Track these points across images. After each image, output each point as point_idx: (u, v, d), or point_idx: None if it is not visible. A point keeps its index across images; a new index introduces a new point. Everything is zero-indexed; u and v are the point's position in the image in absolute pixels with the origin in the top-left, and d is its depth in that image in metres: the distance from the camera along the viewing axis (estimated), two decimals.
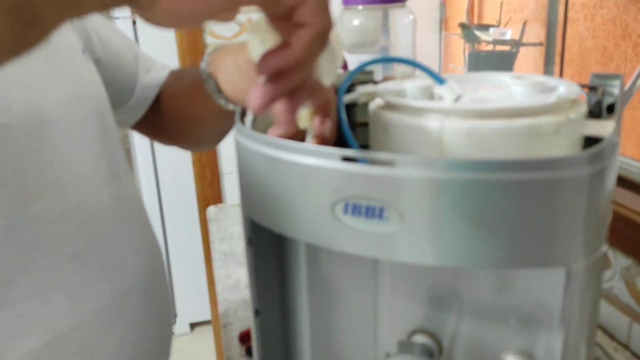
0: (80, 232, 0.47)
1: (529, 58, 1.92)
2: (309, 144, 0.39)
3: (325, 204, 0.32)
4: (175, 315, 2.19)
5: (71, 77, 0.50)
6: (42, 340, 0.44)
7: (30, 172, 0.43)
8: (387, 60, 0.44)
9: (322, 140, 0.39)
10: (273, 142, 0.34)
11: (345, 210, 0.31)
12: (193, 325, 2.24)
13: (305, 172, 0.32)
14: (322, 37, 0.31)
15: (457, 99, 0.36)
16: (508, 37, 1.89)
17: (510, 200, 0.28)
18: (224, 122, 0.58)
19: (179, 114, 0.63)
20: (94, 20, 0.60)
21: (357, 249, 0.32)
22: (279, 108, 0.36)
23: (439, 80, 0.38)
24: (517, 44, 1.78)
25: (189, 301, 2.16)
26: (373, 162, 0.30)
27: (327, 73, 0.36)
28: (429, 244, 0.30)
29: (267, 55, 0.31)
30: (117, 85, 0.61)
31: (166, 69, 0.65)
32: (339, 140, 0.38)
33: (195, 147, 0.72)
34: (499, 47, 1.82)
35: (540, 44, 1.85)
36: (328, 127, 0.38)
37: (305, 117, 0.38)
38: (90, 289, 0.47)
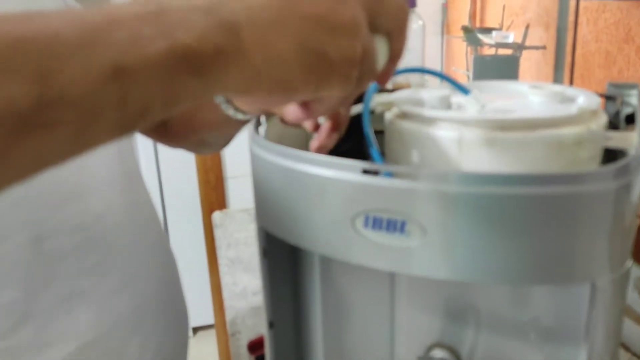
0: (100, 241, 0.47)
1: (531, 62, 1.91)
2: (312, 146, 0.39)
3: (345, 216, 0.31)
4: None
5: None
6: (65, 351, 0.44)
7: (51, 184, 0.43)
8: (417, 70, 0.44)
9: (323, 149, 0.39)
10: (290, 153, 0.33)
11: (366, 224, 0.31)
12: (195, 330, 2.23)
13: (324, 184, 0.32)
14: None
15: (482, 109, 0.36)
16: (510, 40, 1.89)
17: (535, 214, 0.28)
18: (230, 128, 0.58)
19: (183, 119, 0.62)
20: None
21: (377, 263, 0.31)
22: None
23: (464, 90, 0.37)
24: (519, 47, 1.77)
25: (192, 305, 2.14)
26: (394, 175, 0.30)
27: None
28: (451, 259, 0.29)
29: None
30: None
31: None
32: (358, 148, 0.38)
33: (198, 151, 0.72)
34: (501, 51, 1.82)
35: (544, 47, 1.85)
36: (333, 140, 0.39)
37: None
38: (112, 299, 0.47)
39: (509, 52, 1.76)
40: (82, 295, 0.45)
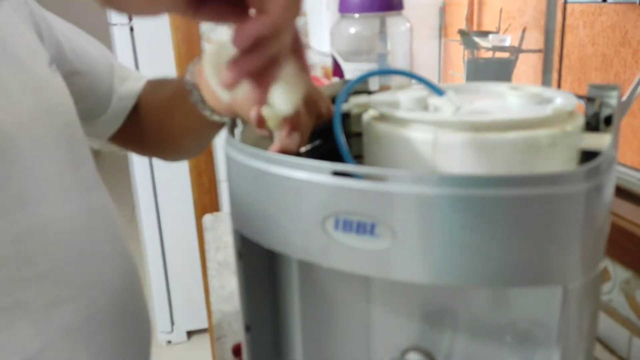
0: (47, 250, 0.45)
1: (528, 65, 1.91)
2: (274, 145, 0.38)
3: (315, 219, 0.31)
4: (173, 324, 2.18)
5: (36, 91, 0.48)
6: None
7: None
8: (386, 72, 0.44)
9: (286, 152, 0.38)
10: (262, 155, 0.33)
11: (336, 226, 0.30)
12: (190, 334, 2.22)
13: (295, 186, 0.31)
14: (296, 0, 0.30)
15: (457, 110, 0.36)
16: (507, 43, 1.89)
17: (506, 216, 0.28)
18: (206, 132, 0.57)
19: (159, 124, 0.61)
20: (66, 30, 0.58)
21: (349, 266, 0.31)
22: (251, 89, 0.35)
23: (438, 91, 0.37)
24: (516, 50, 1.77)
25: (186, 309, 2.15)
26: (365, 176, 0.29)
27: (284, 99, 0.35)
28: (422, 262, 0.29)
29: (242, 27, 0.31)
30: (93, 97, 0.59)
31: (143, 79, 0.64)
32: (333, 151, 0.38)
33: (175, 158, 0.71)
34: (498, 54, 1.82)
35: (540, 50, 1.84)
36: (294, 141, 0.38)
37: (271, 118, 0.37)
38: (58, 310, 0.45)
39: (505, 55, 1.76)
40: (25, 306, 0.43)
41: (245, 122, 0.43)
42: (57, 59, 0.55)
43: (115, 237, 0.54)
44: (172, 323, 2.18)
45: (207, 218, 1.02)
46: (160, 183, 1.99)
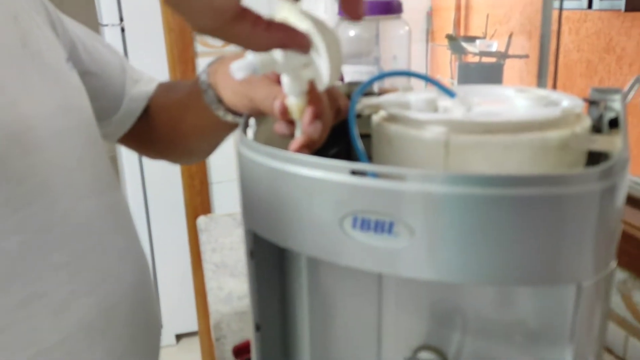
0: (66, 242, 0.46)
1: (514, 70, 1.94)
2: (296, 140, 0.38)
3: (333, 218, 0.31)
4: (161, 326, 2.16)
5: (56, 86, 0.49)
6: (23, 356, 0.42)
7: (13, 180, 0.42)
8: (399, 74, 0.44)
9: (309, 141, 0.38)
10: (278, 154, 0.33)
11: (354, 225, 0.31)
12: (179, 337, 2.21)
13: (312, 185, 0.32)
14: None
15: (468, 112, 0.36)
16: (494, 49, 1.91)
17: (521, 216, 0.28)
18: (217, 134, 0.58)
19: (170, 126, 0.62)
20: (79, 31, 0.59)
21: (365, 264, 0.31)
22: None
23: (450, 93, 0.38)
24: (503, 55, 1.80)
25: (176, 312, 2.13)
26: (383, 176, 0.30)
27: (333, 67, 0.34)
28: (439, 260, 0.29)
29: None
30: (105, 97, 0.60)
31: (154, 81, 0.65)
32: (346, 152, 0.38)
33: (185, 160, 0.72)
34: (485, 59, 1.84)
35: (526, 56, 1.87)
36: (317, 128, 0.38)
37: (295, 108, 0.37)
38: (76, 302, 0.46)
39: (492, 60, 1.78)
40: (45, 297, 0.44)
41: (258, 123, 0.43)
42: (71, 59, 0.55)
43: (129, 234, 0.55)
44: (161, 326, 2.16)
45: (202, 219, 1.02)
46: (151, 184, 1.97)
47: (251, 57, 0.33)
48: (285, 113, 0.38)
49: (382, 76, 0.38)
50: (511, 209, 0.28)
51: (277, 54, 0.33)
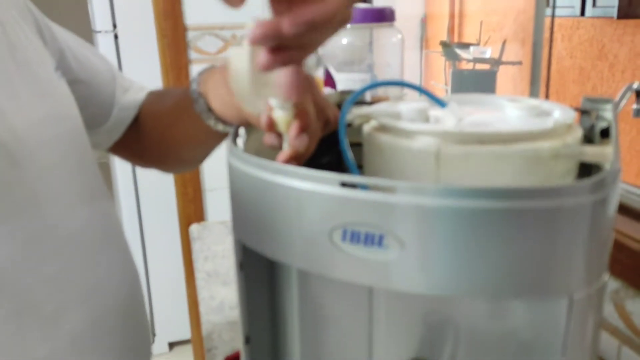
0: (56, 253, 0.45)
1: (507, 76, 1.94)
2: (283, 152, 0.38)
3: (322, 230, 0.31)
4: (154, 335, 2.14)
5: (45, 95, 0.48)
6: None
7: (1, 191, 0.42)
8: (391, 84, 0.44)
9: (296, 155, 0.38)
10: (268, 165, 0.33)
11: (344, 237, 0.30)
12: (172, 345, 2.19)
13: (302, 197, 0.31)
14: None
15: (459, 122, 0.36)
16: (488, 55, 1.92)
17: (513, 228, 0.28)
18: (208, 143, 0.57)
19: (161, 135, 0.61)
20: (68, 39, 0.59)
21: (355, 277, 0.31)
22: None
23: (441, 103, 0.37)
24: (496, 62, 1.80)
25: (168, 320, 2.12)
26: (373, 188, 0.29)
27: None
28: (429, 273, 0.29)
29: (298, 10, 0.30)
30: (95, 106, 0.59)
31: (144, 90, 0.64)
32: (337, 161, 0.38)
33: (175, 169, 0.71)
34: (479, 66, 1.84)
35: (520, 62, 1.88)
36: (303, 142, 0.37)
37: (281, 121, 0.37)
38: (66, 314, 0.45)
39: (486, 67, 1.79)
40: (34, 309, 0.43)
41: (249, 133, 0.43)
42: (60, 67, 0.54)
43: (120, 245, 0.54)
44: (154, 334, 2.15)
45: (194, 227, 1.01)
46: (144, 191, 1.96)
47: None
48: (271, 126, 0.38)
49: (372, 86, 0.38)
50: (502, 222, 0.28)
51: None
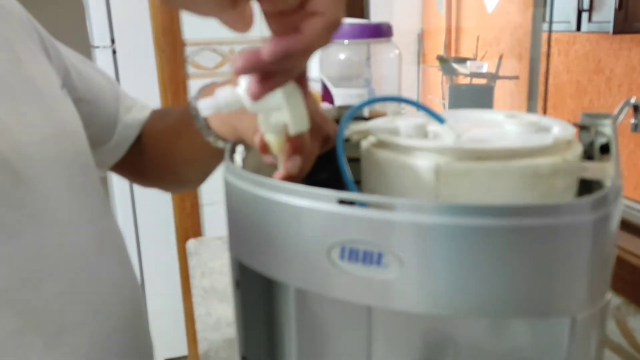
0: (59, 272, 0.45)
1: (505, 90, 1.95)
2: (278, 172, 0.38)
3: (320, 248, 0.30)
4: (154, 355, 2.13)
5: (50, 113, 0.48)
6: None
7: (3, 209, 0.41)
8: (389, 99, 0.44)
9: (288, 176, 0.38)
10: (265, 182, 0.32)
11: (342, 256, 0.30)
12: None
13: (300, 214, 0.31)
14: (333, 26, 0.31)
15: (458, 138, 0.36)
16: (484, 70, 1.93)
17: (514, 246, 0.27)
18: (209, 161, 0.57)
19: (162, 153, 0.61)
20: (73, 58, 0.59)
21: (354, 296, 0.30)
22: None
23: (439, 119, 0.37)
24: (493, 77, 1.81)
25: (165, 336, 2.09)
26: (371, 205, 0.29)
27: (296, 118, 0.35)
28: (429, 292, 0.29)
29: (276, 39, 0.31)
30: (98, 125, 0.59)
31: (148, 109, 0.64)
32: (335, 177, 0.37)
33: (177, 189, 0.71)
34: (475, 80, 1.85)
35: (516, 77, 1.89)
36: (295, 164, 0.38)
37: (273, 144, 0.37)
38: (69, 333, 0.45)
39: (483, 81, 1.80)
40: (38, 327, 0.42)
41: (248, 149, 0.42)
42: (65, 86, 0.54)
43: (123, 263, 0.54)
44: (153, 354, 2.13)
45: (191, 243, 1.00)
46: (141, 206, 1.95)
47: (221, 94, 0.34)
48: (265, 148, 0.38)
49: (370, 102, 0.38)
50: (502, 240, 0.27)
51: (244, 96, 0.34)
